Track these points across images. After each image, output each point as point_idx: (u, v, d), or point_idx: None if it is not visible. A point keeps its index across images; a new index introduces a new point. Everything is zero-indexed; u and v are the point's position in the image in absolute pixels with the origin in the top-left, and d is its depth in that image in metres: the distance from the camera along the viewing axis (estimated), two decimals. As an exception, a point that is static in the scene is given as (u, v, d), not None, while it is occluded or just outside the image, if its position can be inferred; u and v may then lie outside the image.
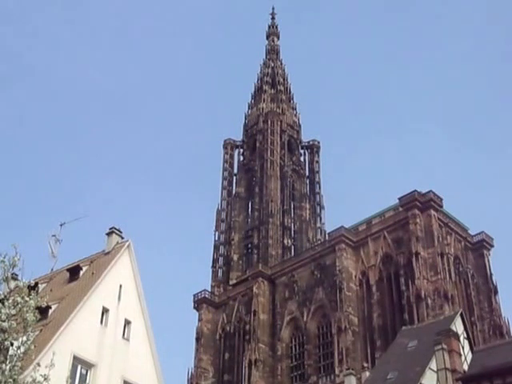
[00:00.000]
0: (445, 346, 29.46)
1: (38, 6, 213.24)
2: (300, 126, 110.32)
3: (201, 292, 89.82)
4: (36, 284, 26.79)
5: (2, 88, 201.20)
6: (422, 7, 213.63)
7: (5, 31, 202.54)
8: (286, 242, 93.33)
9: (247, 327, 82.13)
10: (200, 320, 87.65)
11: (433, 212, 74.70)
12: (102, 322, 27.81)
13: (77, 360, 25.64)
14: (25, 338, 13.61)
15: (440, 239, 74.09)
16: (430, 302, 68.36)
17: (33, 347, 13.87)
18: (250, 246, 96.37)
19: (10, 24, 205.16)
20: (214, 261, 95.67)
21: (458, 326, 33.36)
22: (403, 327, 43.16)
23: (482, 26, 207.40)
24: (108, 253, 30.74)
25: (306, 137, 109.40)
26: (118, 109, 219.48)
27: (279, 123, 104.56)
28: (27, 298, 13.62)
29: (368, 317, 74.41)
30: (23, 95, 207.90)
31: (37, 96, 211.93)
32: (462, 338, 32.02)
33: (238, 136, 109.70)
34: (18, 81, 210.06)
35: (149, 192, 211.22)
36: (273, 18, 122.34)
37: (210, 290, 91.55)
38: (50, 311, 27.40)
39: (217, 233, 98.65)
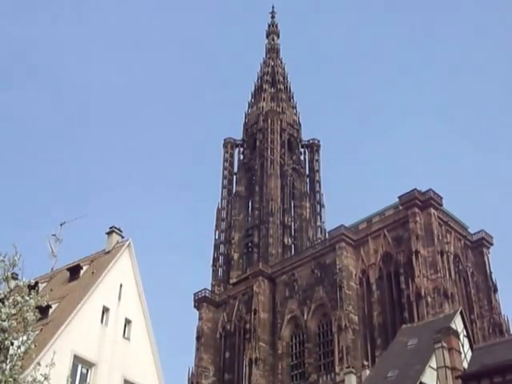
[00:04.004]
0: (445, 344, 29.48)
1: (46, 5, 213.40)
2: (300, 124, 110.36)
3: (201, 291, 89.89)
4: (36, 283, 26.75)
5: (8, 87, 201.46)
6: (423, 7, 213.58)
7: (12, 30, 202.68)
8: (286, 240, 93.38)
9: (247, 326, 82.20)
10: (200, 319, 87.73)
11: (433, 210, 74.72)
12: (102, 321, 27.83)
13: (77, 359, 25.66)
14: (25, 338, 13.62)
15: (440, 238, 74.15)
16: (429, 300, 68.42)
17: (33, 346, 13.87)
18: (250, 244, 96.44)
19: (18, 23, 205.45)
20: (215, 260, 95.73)
21: (457, 324, 33.38)
22: (403, 325, 43.20)
23: (482, 22, 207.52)
24: (108, 252, 30.75)
25: (306, 136, 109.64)
26: (118, 108, 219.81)
27: (279, 122, 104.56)
28: (27, 298, 13.63)
29: (368, 315, 74.48)
30: (27, 94, 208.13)
31: (38, 95, 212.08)
32: (461, 336, 32.04)
33: (238, 135, 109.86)
34: (24, 80, 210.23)
35: (149, 191, 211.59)
36: (273, 17, 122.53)
37: (210, 288, 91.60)
38: (51, 310, 27.42)
39: (217, 232, 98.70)
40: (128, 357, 28.05)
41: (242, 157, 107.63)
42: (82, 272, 30.63)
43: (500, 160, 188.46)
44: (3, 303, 13.34)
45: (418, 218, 73.81)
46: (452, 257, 75.95)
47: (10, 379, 12.99)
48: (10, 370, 13.11)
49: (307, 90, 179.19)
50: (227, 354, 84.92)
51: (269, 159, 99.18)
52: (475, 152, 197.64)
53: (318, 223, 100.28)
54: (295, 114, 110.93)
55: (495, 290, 78.06)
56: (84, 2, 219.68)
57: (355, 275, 77.26)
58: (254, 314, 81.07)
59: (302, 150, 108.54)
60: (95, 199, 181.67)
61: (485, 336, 72.38)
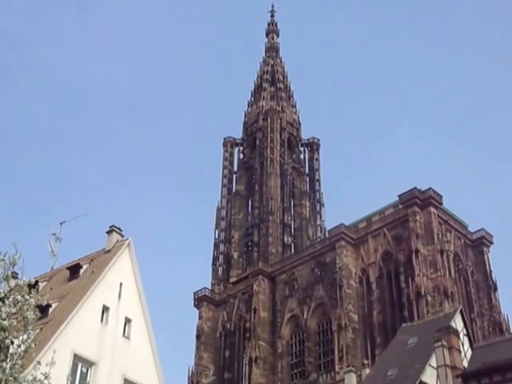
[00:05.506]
0: (445, 343, 29.50)
1: (47, 4, 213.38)
2: (300, 123, 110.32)
3: (201, 290, 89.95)
4: (36, 282, 26.82)
5: (8, 86, 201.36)
6: (424, 10, 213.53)
7: (13, 29, 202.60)
8: (286, 239, 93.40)
9: (247, 325, 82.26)
10: (200, 318, 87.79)
11: (432, 209, 74.75)
12: (102, 320, 27.81)
13: (77, 358, 25.64)
14: (25, 337, 13.61)
15: (440, 236, 74.18)
16: (429, 299, 68.45)
17: (33, 345, 13.86)
18: (250, 243, 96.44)
19: (19, 22, 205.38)
20: (215, 259, 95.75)
21: (457, 323, 33.43)
22: (403, 324, 43.30)
23: (477, 27, 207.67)
24: (108, 251, 30.72)
25: (305, 134, 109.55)
26: (118, 107, 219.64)
27: (279, 121, 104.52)
28: (27, 297, 13.61)
29: (368, 314, 74.50)
30: (27, 93, 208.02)
31: (38, 95, 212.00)
32: (461, 335, 32.08)
33: (238, 134, 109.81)
34: (24, 79, 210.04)
35: (149, 190, 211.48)
36: (272, 16, 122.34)
37: (210, 287, 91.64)
38: (51, 309, 27.42)
39: (217, 231, 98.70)
40: (128, 356, 28.04)
41: (241, 156, 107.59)
42: (81, 271, 30.61)
43: (500, 159, 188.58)
44: (3, 302, 13.34)
45: (417, 217, 73.83)
46: (452, 256, 75.95)
47: (11, 378, 12.98)
48: (11, 368, 13.10)
49: (307, 89, 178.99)
50: (227, 353, 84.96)
51: (268, 158, 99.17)
52: (474, 150, 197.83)
53: (318, 222, 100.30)
54: (295, 113, 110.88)
55: (495, 289, 78.08)
56: (85, 1, 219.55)
57: (355, 274, 77.29)
58: (254, 312, 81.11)
59: (301, 148, 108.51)
60: (95, 199, 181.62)
61: (485, 335, 72.42)
